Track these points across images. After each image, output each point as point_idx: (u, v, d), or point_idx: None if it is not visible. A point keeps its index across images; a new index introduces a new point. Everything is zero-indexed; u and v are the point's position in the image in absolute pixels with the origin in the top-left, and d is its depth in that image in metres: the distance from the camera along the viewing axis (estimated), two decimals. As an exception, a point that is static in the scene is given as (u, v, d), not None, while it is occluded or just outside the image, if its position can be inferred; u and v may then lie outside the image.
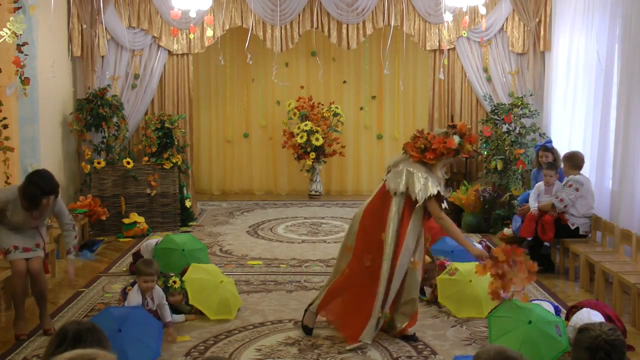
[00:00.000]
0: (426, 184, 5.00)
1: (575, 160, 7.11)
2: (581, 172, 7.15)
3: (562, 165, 7.67)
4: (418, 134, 5.27)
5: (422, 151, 5.14)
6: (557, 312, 5.33)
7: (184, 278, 5.80)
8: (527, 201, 7.64)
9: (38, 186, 5.17)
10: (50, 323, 5.44)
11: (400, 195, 5.06)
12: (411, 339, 5.19)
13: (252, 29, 9.83)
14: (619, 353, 2.80)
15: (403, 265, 5.04)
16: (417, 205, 5.02)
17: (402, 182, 5.07)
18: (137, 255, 7.09)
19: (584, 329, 2.89)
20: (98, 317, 4.87)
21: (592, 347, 2.79)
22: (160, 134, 9.18)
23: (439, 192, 5.01)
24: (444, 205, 5.17)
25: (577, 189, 6.90)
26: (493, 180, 9.09)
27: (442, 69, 9.90)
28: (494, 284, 4.92)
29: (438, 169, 5.16)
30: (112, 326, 4.58)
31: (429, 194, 4.97)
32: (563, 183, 7.12)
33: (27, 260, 5.36)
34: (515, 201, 8.42)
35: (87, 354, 2.18)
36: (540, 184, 7.35)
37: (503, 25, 9.72)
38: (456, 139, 5.09)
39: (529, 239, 7.29)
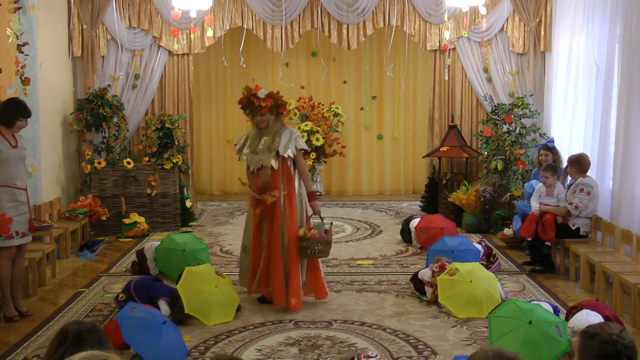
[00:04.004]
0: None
1: (582, 163, 7.04)
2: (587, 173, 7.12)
3: (563, 166, 7.66)
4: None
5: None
6: (556, 312, 5.32)
7: (178, 286, 5.73)
8: (525, 207, 7.65)
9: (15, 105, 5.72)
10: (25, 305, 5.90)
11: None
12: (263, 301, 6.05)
13: (252, 29, 9.85)
14: (635, 355, 2.59)
15: None
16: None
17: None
18: (140, 254, 7.11)
19: (593, 334, 2.62)
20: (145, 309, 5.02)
21: (607, 354, 2.56)
22: (160, 134, 9.18)
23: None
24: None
25: (588, 193, 6.87)
26: (493, 181, 9.09)
27: (446, 70, 9.90)
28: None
29: (253, 126, 6.03)
30: (159, 318, 4.83)
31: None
32: (572, 186, 7.04)
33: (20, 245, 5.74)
34: (516, 201, 8.41)
35: (99, 356, 2.18)
36: (541, 186, 7.33)
37: (503, 25, 9.73)
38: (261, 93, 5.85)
39: (529, 239, 7.28)
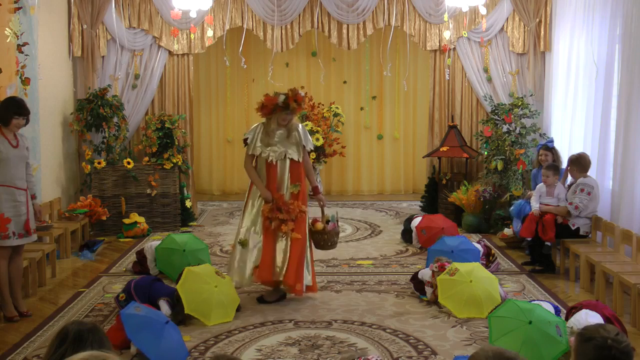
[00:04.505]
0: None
1: (583, 163, 7.05)
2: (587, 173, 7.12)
3: (563, 166, 7.66)
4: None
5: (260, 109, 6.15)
6: (557, 312, 5.32)
7: (177, 286, 5.72)
8: (521, 209, 7.69)
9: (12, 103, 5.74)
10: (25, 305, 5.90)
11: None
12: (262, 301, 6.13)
13: (252, 29, 9.85)
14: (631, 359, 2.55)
15: None
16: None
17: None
18: (141, 254, 7.11)
19: (589, 338, 2.57)
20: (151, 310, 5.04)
21: (602, 358, 2.51)
22: (160, 134, 9.18)
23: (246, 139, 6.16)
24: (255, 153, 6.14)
25: (589, 193, 6.87)
26: (493, 181, 9.09)
27: (447, 69, 9.91)
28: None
29: (272, 122, 6.08)
30: (161, 317, 4.86)
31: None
32: (573, 186, 7.05)
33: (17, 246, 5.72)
34: (513, 201, 8.39)
35: (99, 356, 2.18)
36: (542, 185, 7.34)
37: (503, 25, 9.73)
38: (281, 97, 5.97)
39: (529, 239, 7.28)
